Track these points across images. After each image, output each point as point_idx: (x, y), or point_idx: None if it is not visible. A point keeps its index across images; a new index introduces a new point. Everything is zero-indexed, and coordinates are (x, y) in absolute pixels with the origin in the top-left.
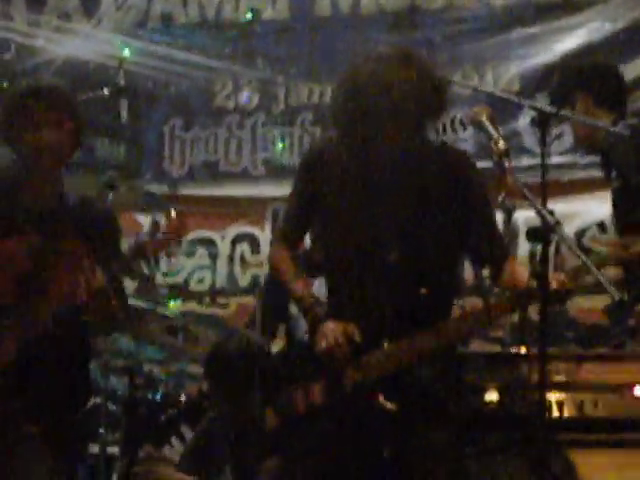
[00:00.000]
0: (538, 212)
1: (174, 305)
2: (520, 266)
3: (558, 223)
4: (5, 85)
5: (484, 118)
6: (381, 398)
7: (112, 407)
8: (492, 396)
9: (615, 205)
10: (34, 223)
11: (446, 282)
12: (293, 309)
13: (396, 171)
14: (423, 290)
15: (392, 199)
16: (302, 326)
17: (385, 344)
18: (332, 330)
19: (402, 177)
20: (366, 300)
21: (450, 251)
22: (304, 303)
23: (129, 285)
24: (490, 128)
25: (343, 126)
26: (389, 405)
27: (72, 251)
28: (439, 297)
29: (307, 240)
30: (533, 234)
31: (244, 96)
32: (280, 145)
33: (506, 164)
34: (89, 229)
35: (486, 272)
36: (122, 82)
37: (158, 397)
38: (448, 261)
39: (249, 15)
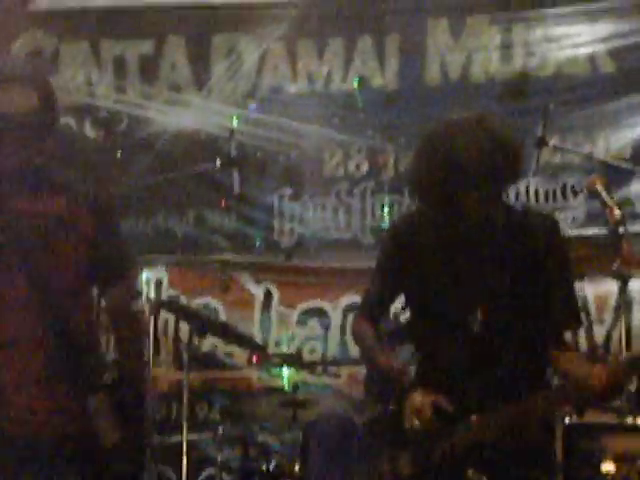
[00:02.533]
0: None
1: (289, 375)
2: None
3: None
4: (119, 156)
5: (600, 186)
6: (470, 471)
7: (226, 478)
8: (609, 467)
9: None
10: None
11: (534, 352)
12: None
13: (477, 239)
14: (516, 360)
15: (476, 267)
16: None
17: (473, 416)
18: (420, 401)
19: (483, 245)
20: (454, 370)
21: (536, 320)
22: (391, 373)
23: (242, 354)
24: (606, 196)
25: (421, 196)
26: (478, 478)
27: None
28: (527, 367)
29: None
30: None
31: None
32: (386, 212)
33: (621, 231)
34: None
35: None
36: (233, 153)
37: (272, 467)
38: (534, 330)
39: (356, 83)
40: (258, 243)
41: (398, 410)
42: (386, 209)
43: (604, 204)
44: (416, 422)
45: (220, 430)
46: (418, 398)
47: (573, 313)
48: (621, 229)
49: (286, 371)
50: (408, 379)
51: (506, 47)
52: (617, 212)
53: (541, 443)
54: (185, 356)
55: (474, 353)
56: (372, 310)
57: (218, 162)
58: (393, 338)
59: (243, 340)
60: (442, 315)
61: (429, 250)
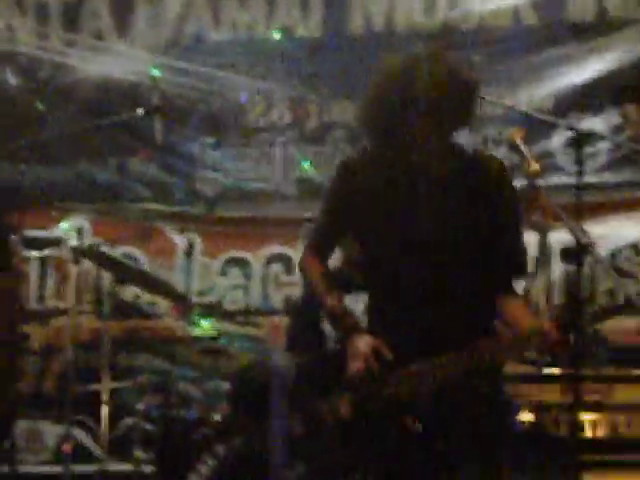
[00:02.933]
0: (572, 232)
1: (207, 325)
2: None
3: (592, 244)
4: (39, 105)
5: (518, 139)
6: (408, 419)
7: (147, 426)
8: (527, 416)
9: None
10: None
11: (482, 298)
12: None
13: (427, 177)
14: (460, 305)
15: (425, 206)
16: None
17: (414, 365)
18: (364, 345)
19: (433, 183)
20: (400, 315)
21: (484, 264)
22: (335, 314)
23: (165, 305)
24: (524, 148)
25: (373, 130)
26: (415, 426)
27: None
28: (475, 313)
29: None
30: (567, 255)
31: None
32: (307, 163)
33: (539, 184)
34: None
35: None
36: (156, 101)
37: (192, 416)
38: (483, 275)
39: (278, 34)
40: (180, 192)
41: (339, 352)
42: (309, 159)
43: (522, 156)
44: (359, 365)
45: (140, 379)
46: (361, 342)
47: (520, 260)
48: (539, 181)
49: (207, 321)
50: (352, 321)
51: None
52: (535, 164)
53: (483, 394)
54: (106, 305)
55: (421, 296)
56: (319, 245)
57: (140, 110)
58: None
59: (165, 289)
60: (388, 255)
61: (377, 188)
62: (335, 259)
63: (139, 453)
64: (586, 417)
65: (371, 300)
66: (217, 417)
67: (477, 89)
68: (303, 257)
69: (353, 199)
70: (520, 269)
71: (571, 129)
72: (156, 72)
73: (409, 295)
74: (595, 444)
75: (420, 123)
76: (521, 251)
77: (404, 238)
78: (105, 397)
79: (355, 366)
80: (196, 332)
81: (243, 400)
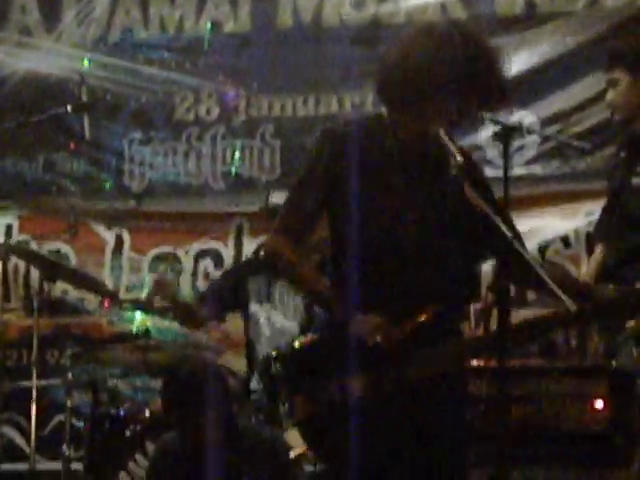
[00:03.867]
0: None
1: (136, 321)
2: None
3: (518, 235)
4: None
5: (442, 133)
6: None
7: (77, 423)
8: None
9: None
10: None
11: (463, 279)
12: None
13: (425, 155)
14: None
15: (415, 186)
16: None
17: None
18: (376, 321)
19: (432, 163)
20: (385, 291)
21: (470, 247)
22: (327, 298)
23: (93, 300)
24: (448, 142)
25: (388, 95)
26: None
27: None
28: (455, 294)
29: None
30: None
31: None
32: (237, 156)
33: (463, 178)
34: None
35: None
36: (84, 97)
37: (122, 413)
38: (467, 257)
39: (208, 28)
40: (108, 187)
41: (338, 335)
42: (237, 154)
43: (447, 150)
44: (378, 338)
45: (70, 376)
46: (371, 319)
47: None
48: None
49: (137, 316)
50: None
51: None
52: (459, 157)
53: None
54: (35, 302)
55: (408, 276)
56: (294, 227)
57: (68, 106)
58: None
59: (94, 286)
60: (375, 232)
61: (369, 161)
62: None
63: (69, 451)
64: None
65: (342, 276)
66: (147, 413)
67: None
68: (273, 241)
69: (337, 171)
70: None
71: (496, 122)
72: (86, 65)
73: (395, 277)
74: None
75: (436, 97)
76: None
77: (390, 216)
78: (34, 394)
79: (373, 338)
80: (125, 328)
81: (175, 395)
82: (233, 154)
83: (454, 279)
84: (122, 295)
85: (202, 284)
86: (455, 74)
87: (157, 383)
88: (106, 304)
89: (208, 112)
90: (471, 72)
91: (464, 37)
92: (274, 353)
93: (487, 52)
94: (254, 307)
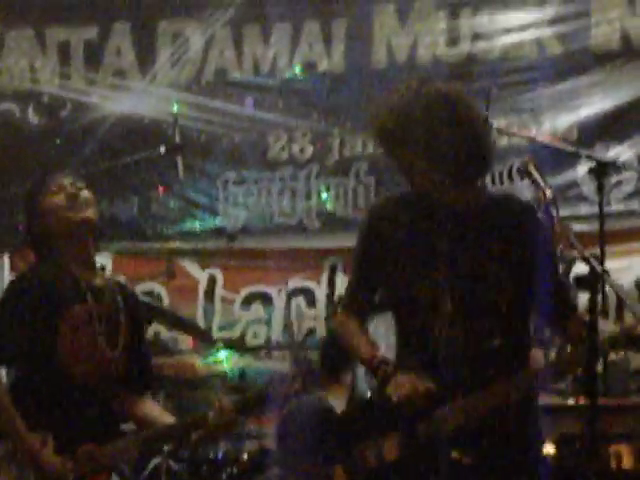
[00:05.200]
0: (585, 260)
1: (234, 360)
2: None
3: (605, 271)
4: (59, 142)
5: (532, 168)
6: (455, 453)
7: (174, 467)
8: (549, 449)
9: None
10: None
11: (517, 334)
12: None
13: (457, 223)
14: (496, 342)
15: (454, 252)
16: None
17: (459, 398)
18: (407, 380)
19: (464, 230)
20: (437, 354)
21: (520, 302)
22: (374, 362)
23: (185, 340)
24: (538, 177)
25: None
26: (464, 459)
27: None
28: (511, 349)
29: None
30: (581, 282)
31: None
32: (325, 195)
33: (554, 212)
34: None
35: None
36: (177, 139)
37: (220, 455)
38: (519, 313)
39: (298, 70)
40: (202, 228)
41: (381, 398)
42: (331, 193)
43: (537, 185)
44: (402, 396)
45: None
46: (405, 377)
47: (567, 299)
48: (553, 210)
49: (230, 356)
50: (391, 368)
51: (452, 30)
52: (549, 192)
53: (522, 423)
54: None
55: (460, 337)
56: (355, 302)
57: (162, 148)
58: None
59: (186, 325)
60: (421, 301)
61: (408, 235)
62: None
63: None
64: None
65: (404, 348)
66: (245, 456)
67: (490, 134)
68: (338, 315)
69: (382, 248)
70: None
71: (591, 159)
72: (177, 109)
73: (445, 335)
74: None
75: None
76: (565, 289)
77: (434, 284)
78: None
79: (400, 394)
80: (219, 368)
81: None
82: (327, 193)
83: (508, 336)
84: (215, 334)
85: (294, 323)
86: (437, 134)
87: (252, 426)
88: (198, 344)
89: (302, 151)
90: (454, 136)
91: (452, 101)
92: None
93: (472, 119)
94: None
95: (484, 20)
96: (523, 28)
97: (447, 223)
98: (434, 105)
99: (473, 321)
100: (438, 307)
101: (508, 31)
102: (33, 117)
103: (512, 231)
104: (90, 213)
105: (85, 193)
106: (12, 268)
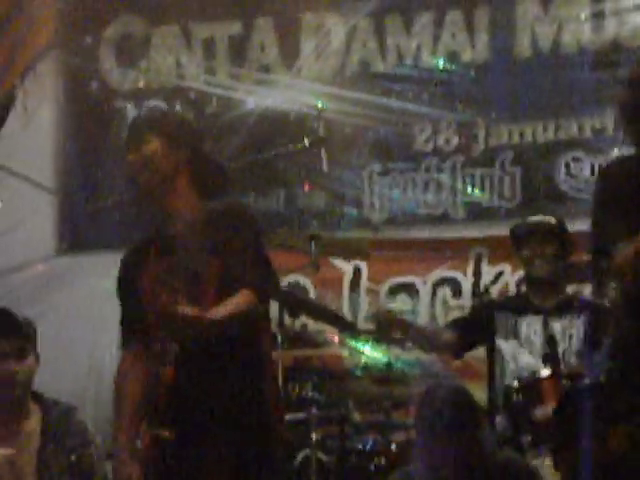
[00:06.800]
0: None
1: (376, 352)
2: None
3: None
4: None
5: None
6: None
7: (323, 458)
8: None
9: None
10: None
11: None
12: None
13: None
14: None
15: None
16: None
17: None
18: None
19: None
20: None
21: None
22: None
23: (332, 332)
24: None
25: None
26: None
27: None
28: None
29: None
30: None
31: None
32: (476, 186)
33: None
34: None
35: None
36: (321, 132)
37: (369, 446)
38: None
39: (442, 60)
40: (348, 220)
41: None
42: (476, 183)
43: None
44: None
45: (314, 410)
46: None
47: None
48: None
49: (376, 347)
50: None
51: (597, 17)
52: None
53: None
54: (278, 336)
55: None
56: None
57: (307, 141)
58: None
59: (332, 317)
60: None
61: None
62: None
63: None
64: None
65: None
66: (393, 447)
67: None
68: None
69: (618, 201)
70: None
71: None
72: (321, 104)
73: None
74: None
75: None
76: None
77: None
78: None
79: None
80: (365, 360)
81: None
82: (472, 183)
83: None
84: (361, 326)
85: (440, 313)
86: None
87: (399, 416)
88: (335, 337)
89: (447, 142)
90: None
91: None
92: (516, 383)
93: None
94: (500, 342)
95: (629, 4)
96: None
97: None
98: None
99: None
100: None
101: None
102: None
103: None
104: None
105: None
106: None
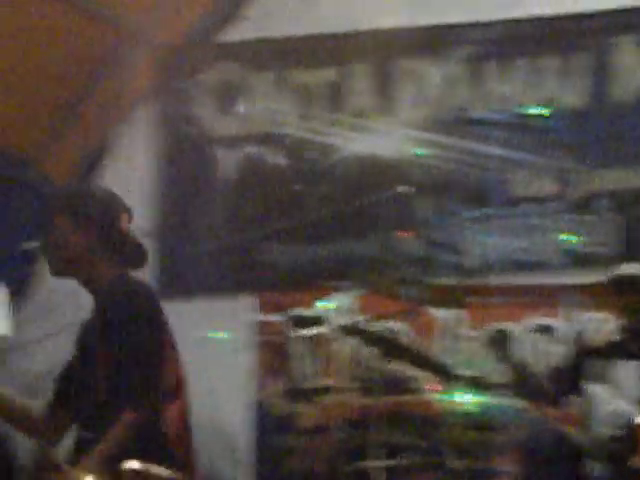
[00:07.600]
0: None
1: (475, 397)
2: None
3: None
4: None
5: None
6: None
7: None
8: None
9: None
10: None
11: None
12: None
13: None
14: None
15: None
16: None
17: None
18: None
19: None
20: None
21: None
22: None
23: (425, 378)
24: None
25: None
26: None
27: None
28: None
29: None
30: None
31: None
32: (576, 232)
33: None
34: None
35: None
36: (418, 177)
37: None
38: None
39: (539, 105)
40: (445, 267)
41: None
42: (574, 229)
43: None
44: None
45: (410, 456)
46: None
47: None
48: None
49: (472, 394)
50: None
51: None
52: None
53: None
54: (373, 381)
55: None
56: None
57: (401, 187)
58: None
59: (428, 363)
60: None
61: None
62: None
63: None
64: None
65: None
66: None
67: None
68: None
69: None
70: None
71: None
72: (419, 152)
73: None
74: None
75: None
76: None
77: None
78: (375, 476)
79: None
80: (461, 407)
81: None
82: (571, 230)
83: None
84: (456, 372)
85: (536, 359)
86: None
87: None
88: (439, 382)
89: (544, 188)
90: None
91: None
92: (613, 430)
93: None
94: (594, 388)
95: None
96: None
97: None
98: None
99: None
100: None
101: None
102: (275, 160)
103: None
104: None
105: None
106: None
